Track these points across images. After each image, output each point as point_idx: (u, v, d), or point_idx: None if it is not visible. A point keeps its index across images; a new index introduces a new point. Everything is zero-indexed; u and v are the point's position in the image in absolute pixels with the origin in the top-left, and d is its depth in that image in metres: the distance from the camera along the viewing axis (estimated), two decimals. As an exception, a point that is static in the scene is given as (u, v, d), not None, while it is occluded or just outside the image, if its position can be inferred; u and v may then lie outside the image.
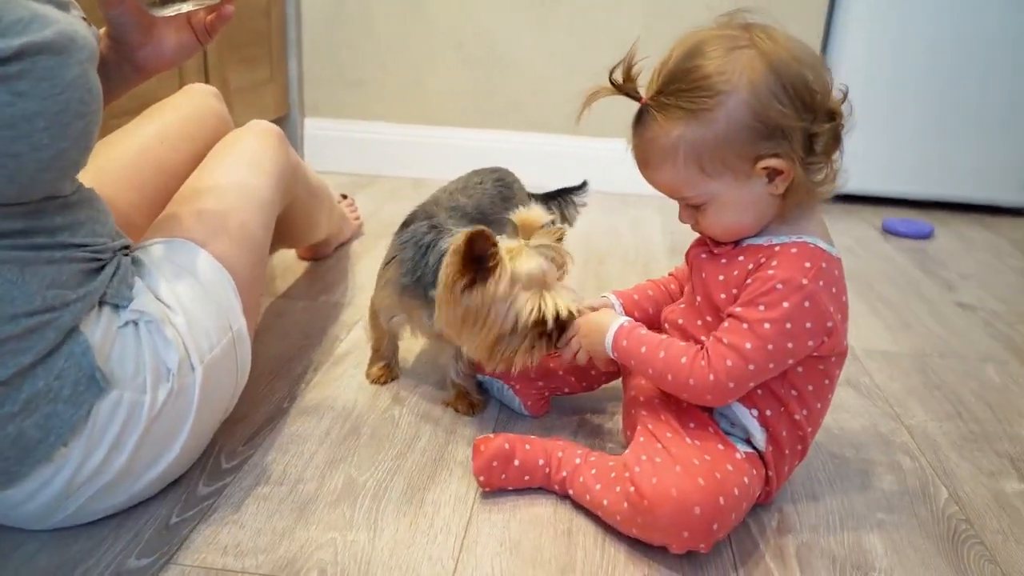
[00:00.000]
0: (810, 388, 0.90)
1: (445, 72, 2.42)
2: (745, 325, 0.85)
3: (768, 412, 0.90)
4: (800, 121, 0.81)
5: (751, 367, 0.84)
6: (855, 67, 2.24)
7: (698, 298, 0.94)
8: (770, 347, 0.84)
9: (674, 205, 0.92)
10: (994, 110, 2.30)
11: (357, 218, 1.91)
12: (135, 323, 0.81)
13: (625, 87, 0.88)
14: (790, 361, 0.86)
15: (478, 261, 0.94)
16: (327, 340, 1.34)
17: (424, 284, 1.03)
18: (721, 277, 0.90)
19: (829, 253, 0.86)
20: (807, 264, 0.84)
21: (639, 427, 0.94)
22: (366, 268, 1.68)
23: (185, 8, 0.87)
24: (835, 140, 0.84)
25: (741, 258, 0.89)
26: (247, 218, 1.03)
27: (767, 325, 0.83)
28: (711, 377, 0.85)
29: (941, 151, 2.35)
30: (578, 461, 0.95)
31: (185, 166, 1.16)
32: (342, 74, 2.45)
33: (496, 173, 1.32)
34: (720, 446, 0.89)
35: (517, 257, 0.96)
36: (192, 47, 0.92)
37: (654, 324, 1.01)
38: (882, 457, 1.08)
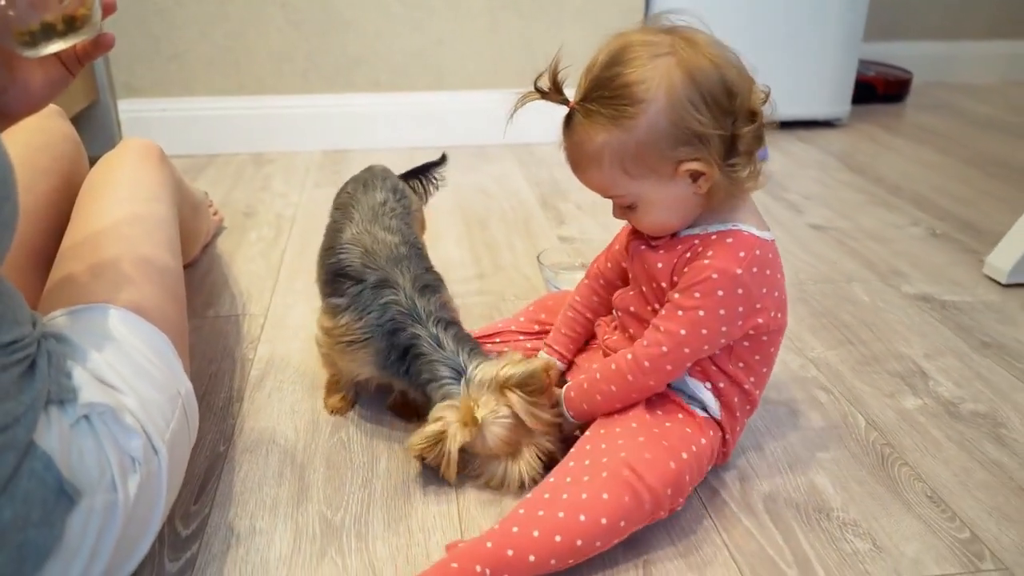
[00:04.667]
0: (756, 358, 0.97)
1: (273, 35, 2.24)
2: (680, 312, 0.90)
3: (721, 384, 0.96)
4: (717, 128, 0.84)
5: (686, 350, 0.91)
6: None
7: (643, 287, 0.97)
8: (704, 332, 0.89)
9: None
10: (800, 23, 2.46)
11: (215, 212, 1.77)
12: (87, 417, 0.71)
13: (552, 97, 0.89)
14: (722, 341, 0.92)
15: None
16: (237, 363, 1.25)
17: (405, 375, 1.01)
18: (660, 265, 0.94)
19: (762, 239, 0.91)
20: (741, 254, 0.89)
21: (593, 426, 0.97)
22: (245, 270, 1.57)
23: (65, 45, 0.74)
24: (757, 140, 0.88)
25: (679, 247, 0.93)
26: (160, 259, 0.93)
27: (701, 312, 0.88)
28: (646, 364, 0.91)
29: (753, 69, 2.50)
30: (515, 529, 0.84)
31: (47, 206, 1.02)
32: (156, 47, 2.21)
33: (387, 183, 1.23)
34: (680, 415, 0.95)
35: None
36: (63, 81, 0.79)
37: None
38: (802, 394, 1.18)
